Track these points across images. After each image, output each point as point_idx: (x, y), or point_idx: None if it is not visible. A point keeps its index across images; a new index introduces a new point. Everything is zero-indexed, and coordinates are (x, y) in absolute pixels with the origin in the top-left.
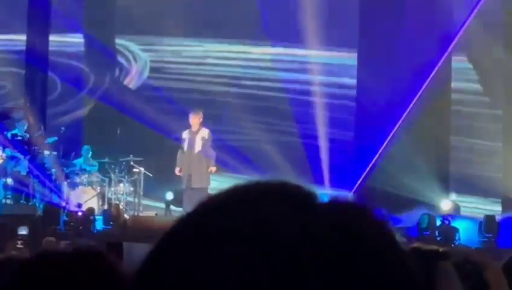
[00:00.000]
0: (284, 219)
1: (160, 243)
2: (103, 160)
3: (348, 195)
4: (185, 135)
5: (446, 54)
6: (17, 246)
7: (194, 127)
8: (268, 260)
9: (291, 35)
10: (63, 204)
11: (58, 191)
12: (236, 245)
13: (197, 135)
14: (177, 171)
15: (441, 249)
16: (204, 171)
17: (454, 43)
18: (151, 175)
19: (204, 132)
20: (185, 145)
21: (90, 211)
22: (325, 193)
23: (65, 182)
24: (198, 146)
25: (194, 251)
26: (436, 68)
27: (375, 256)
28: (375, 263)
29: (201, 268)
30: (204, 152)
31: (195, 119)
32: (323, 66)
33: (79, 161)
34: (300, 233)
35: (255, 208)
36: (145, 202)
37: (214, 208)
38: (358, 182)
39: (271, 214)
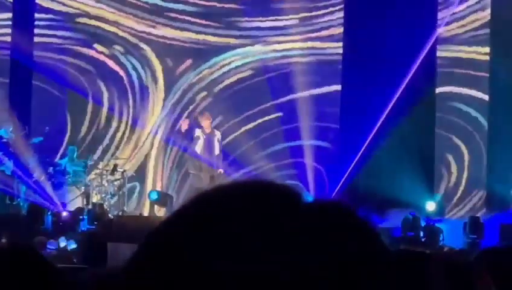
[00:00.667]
0: (268, 219)
1: (145, 243)
2: (87, 160)
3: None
4: (199, 134)
5: (428, 49)
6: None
7: (208, 129)
8: (253, 260)
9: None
10: (48, 204)
11: (42, 191)
12: (223, 246)
13: (213, 137)
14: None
15: (427, 252)
16: (222, 174)
17: (438, 40)
18: (134, 174)
19: (218, 134)
20: (201, 146)
21: (79, 211)
22: (309, 194)
23: (49, 182)
24: (216, 148)
25: (177, 252)
26: (417, 65)
27: (359, 256)
28: (359, 262)
29: (185, 269)
30: (221, 155)
31: (207, 121)
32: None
33: (64, 161)
34: (284, 233)
35: (240, 208)
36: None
37: (199, 210)
38: (341, 182)
39: (256, 215)
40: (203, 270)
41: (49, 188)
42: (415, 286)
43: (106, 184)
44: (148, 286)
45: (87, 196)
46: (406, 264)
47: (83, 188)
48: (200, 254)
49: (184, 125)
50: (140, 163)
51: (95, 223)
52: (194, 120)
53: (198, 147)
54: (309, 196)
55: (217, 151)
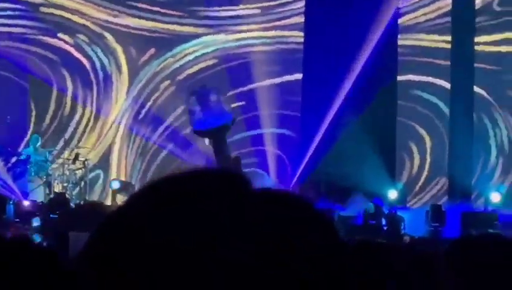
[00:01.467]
0: (232, 207)
1: (104, 225)
2: (51, 149)
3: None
4: None
5: (389, 38)
6: None
7: None
8: (220, 245)
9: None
10: (9, 194)
11: (3, 181)
12: (187, 228)
13: None
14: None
15: (385, 242)
16: None
17: (399, 29)
18: (96, 163)
19: None
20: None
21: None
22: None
23: (11, 172)
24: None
25: (139, 233)
26: (378, 53)
27: (326, 248)
28: (327, 255)
29: (147, 250)
30: None
31: None
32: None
33: (29, 151)
34: (248, 222)
35: (204, 193)
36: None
37: (147, 201)
38: (303, 170)
39: (219, 201)
40: (168, 252)
41: (9, 178)
42: (377, 277)
43: (68, 173)
44: (109, 268)
45: (48, 185)
46: (367, 255)
47: (44, 177)
48: (165, 235)
49: None
50: (104, 152)
51: (57, 212)
52: None
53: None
54: (268, 180)
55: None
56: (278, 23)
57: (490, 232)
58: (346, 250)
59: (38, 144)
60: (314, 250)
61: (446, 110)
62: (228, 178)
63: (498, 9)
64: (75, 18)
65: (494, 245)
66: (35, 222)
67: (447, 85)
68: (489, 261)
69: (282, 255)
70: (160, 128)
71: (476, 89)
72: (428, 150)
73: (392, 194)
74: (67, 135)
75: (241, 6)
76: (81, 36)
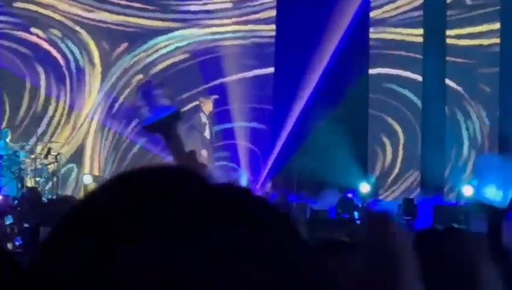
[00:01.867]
0: (179, 203)
1: (58, 226)
2: (23, 143)
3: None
4: (204, 119)
5: (361, 31)
6: None
7: (209, 113)
8: (184, 242)
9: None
10: None
11: None
12: (156, 222)
13: (211, 123)
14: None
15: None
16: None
17: (371, 22)
18: (68, 158)
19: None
20: (208, 132)
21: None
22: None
23: None
24: (213, 133)
25: (95, 235)
26: (350, 46)
27: (267, 243)
28: (266, 250)
29: (117, 241)
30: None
31: (212, 105)
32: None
33: None
34: (194, 218)
35: (154, 191)
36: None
37: (118, 192)
38: (276, 164)
39: (169, 199)
40: (138, 243)
41: None
42: (340, 277)
43: (40, 168)
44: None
45: (21, 180)
46: (329, 255)
47: (17, 172)
48: (135, 226)
49: (207, 106)
50: (78, 146)
51: (28, 207)
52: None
53: (208, 134)
54: (242, 177)
55: (213, 135)
56: (250, 17)
57: (455, 228)
58: (308, 249)
59: (8, 138)
60: (275, 249)
61: (419, 103)
62: (190, 175)
63: (470, 3)
64: (48, 13)
65: (457, 244)
66: (8, 220)
67: (420, 78)
68: (452, 257)
69: (244, 253)
70: (133, 123)
71: (448, 82)
72: (401, 143)
73: (364, 188)
74: (40, 129)
75: (214, 0)
76: (54, 31)
